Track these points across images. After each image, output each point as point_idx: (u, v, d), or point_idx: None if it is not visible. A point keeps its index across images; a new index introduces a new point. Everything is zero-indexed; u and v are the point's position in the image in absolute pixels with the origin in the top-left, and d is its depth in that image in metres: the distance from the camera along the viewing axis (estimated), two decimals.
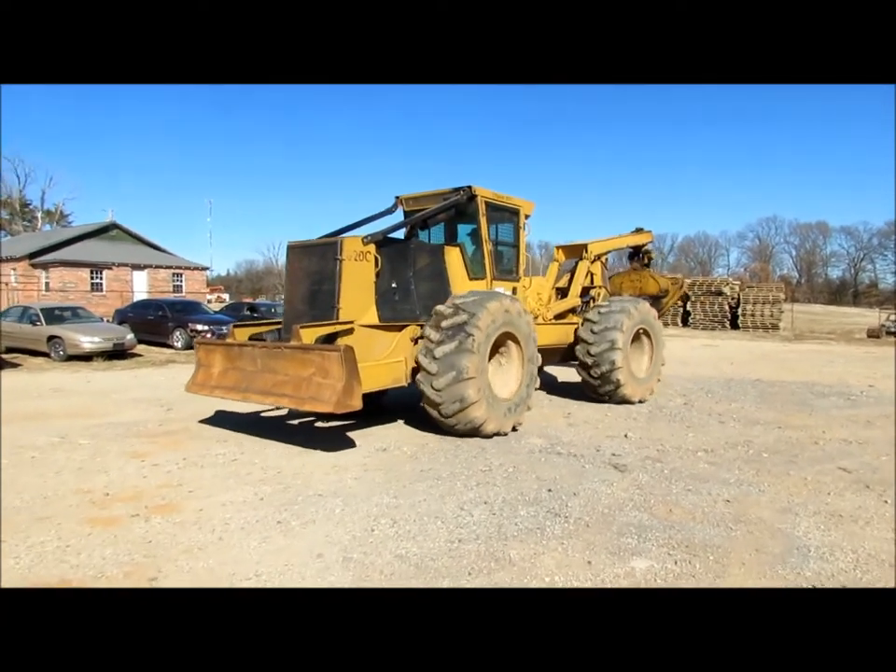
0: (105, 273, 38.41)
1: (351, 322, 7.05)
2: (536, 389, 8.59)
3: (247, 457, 6.75)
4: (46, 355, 17.29)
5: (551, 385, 12.36)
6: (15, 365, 16.12)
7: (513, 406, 7.94)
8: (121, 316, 22.37)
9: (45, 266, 37.37)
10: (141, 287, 39.99)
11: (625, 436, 8.01)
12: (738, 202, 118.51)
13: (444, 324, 7.31)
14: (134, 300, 31.78)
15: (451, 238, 9.27)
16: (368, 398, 8.39)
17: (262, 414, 9.20)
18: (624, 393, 10.05)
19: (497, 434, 7.80)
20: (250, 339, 7.82)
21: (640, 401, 10.48)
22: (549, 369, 13.72)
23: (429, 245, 9.15)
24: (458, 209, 8.88)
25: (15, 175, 58.09)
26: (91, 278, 37.85)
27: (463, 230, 9.32)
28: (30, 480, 5.85)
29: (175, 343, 20.02)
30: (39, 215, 58.82)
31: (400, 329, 7.70)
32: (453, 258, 8.78)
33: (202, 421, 8.59)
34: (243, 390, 7.07)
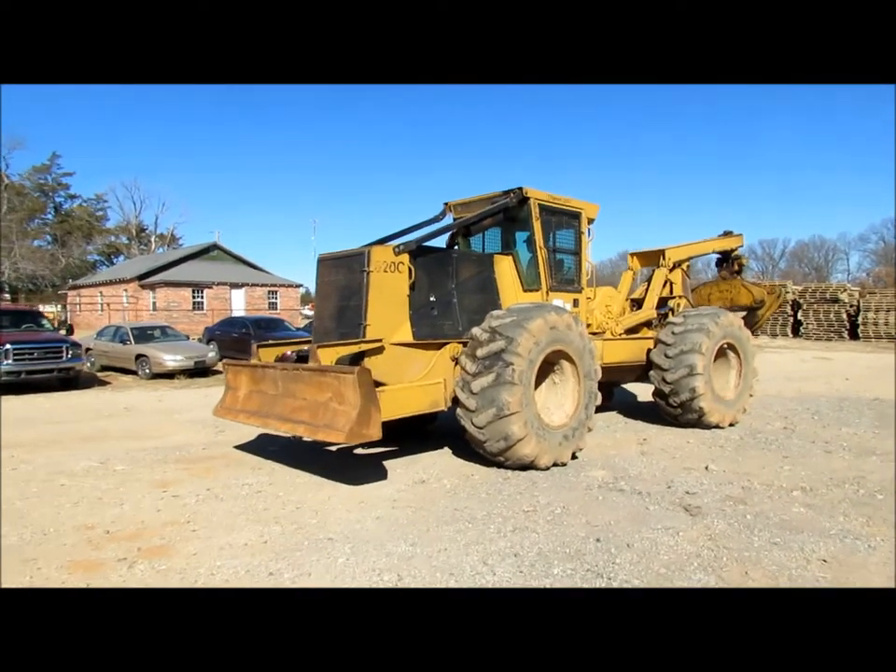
0: (205, 291, 40.31)
1: (379, 340, 6.42)
2: (607, 411, 7.60)
3: (273, 489, 6.25)
4: (135, 373, 17.92)
5: (628, 406, 11.23)
6: (104, 383, 16.77)
7: (571, 432, 7.02)
8: (210, 334, 23.00)
9: (152, 287, 39.66)
10: (239, 304, 41.66)
11: (706, 468, 6.90)
12: (859, 201, 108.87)
13: (480, 353, 6.53)
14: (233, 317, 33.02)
15: (508, 247, 8.48)
16: (415, 422, 7.78)
17: (305, 439, 8.74)
18: (710, 421, 8.83)
19: (555, 465, 6.91)
20: (277, 360, 7.36)
21: (731, 425, 9.22)
22: (629, 386, 12.60)
23: (476, 253, 8.40)
24: (510, 214, 8.09)
25: (132, 201, 62.53)
26: (193, 297, 39.83)
27: (521, 237, 8.50)
28: (45, 511, 5.60)
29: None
30: (153, 238, 62.90)
31: (439, 347, 6.99)
32: (504, 267, 7.99)
33: (244, 445, 8.24)
34: (263, 416, 6.60)
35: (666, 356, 8.91)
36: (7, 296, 51.05)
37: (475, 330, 6.84)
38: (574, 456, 7.26)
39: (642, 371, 9.57)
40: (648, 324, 10.03)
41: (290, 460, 7.36)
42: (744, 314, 11.09)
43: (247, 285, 42.21)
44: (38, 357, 14.28)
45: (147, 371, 17.36)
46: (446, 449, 7.91)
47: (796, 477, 6.47)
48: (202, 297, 40.02)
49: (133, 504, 5.79)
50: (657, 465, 7.09)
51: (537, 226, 7.93)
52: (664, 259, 10.16)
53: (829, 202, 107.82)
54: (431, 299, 7.16)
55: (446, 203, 8.74)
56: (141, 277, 40.04)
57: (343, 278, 6.88)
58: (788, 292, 31.31)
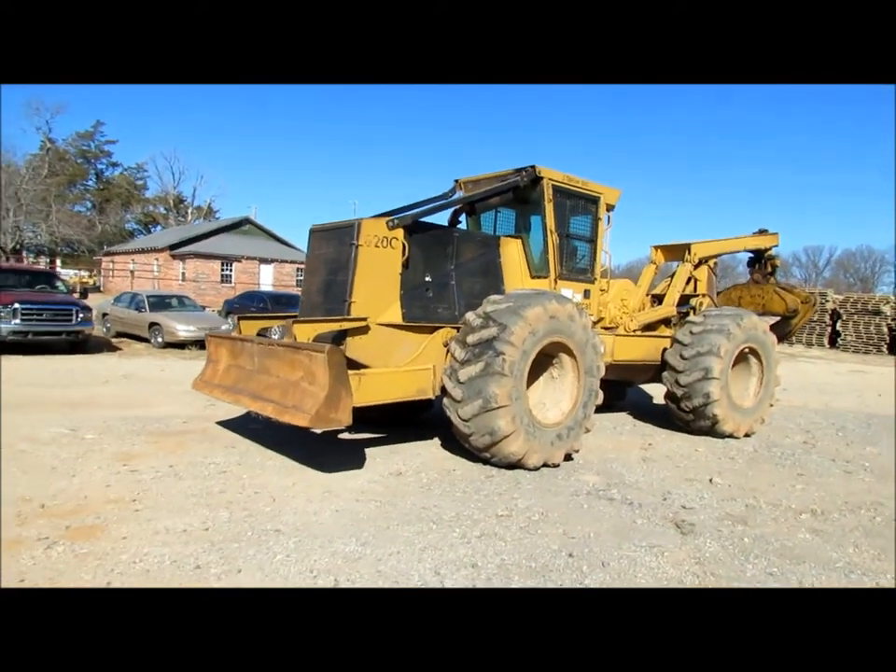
0: (234, 265, 40.42)
1: (364, 319, 5.96)
2: (600, 411, 7.04)
3: (239, 470, 5.87)
4: (148, 340, 17.83)
5: (640, 408, 10.63)
6: (115, 349, 16.71)
7: (565, 431, 6.49)
8: (229, 307, 22.90)
9: (182, 257, 39.89)
10: (267, 279, 41.71)
11: (710, 481, 6.32)
12: None
13: (470, 339, 6.02)
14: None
15: (520, 231, 7.94)
16: (407, 409, 7.34)
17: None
18: (724, 429, 8.20)
19: (546, 465, 6.40)
20: (258, 334, 6.96)
21: (746, 435, 8.57)
22: (646, 387, 11.97)
23: (480, 234, 7.87)
24: (523, 195, 7.53)
25: (171, 172, 63.05)
26: (222, 270, 39.95)
27: (536, 221, 7.93)
28: None
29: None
30: (190, 210, 63.39)
31: (431, 331, 6.51)
32: (511, 251, 7.45)
33: (227, 421, 7.89)
34: (237, 392, 6.20)
35: (682, 356, 8.29)
36: (45, 258, 52.09)
37: (468, 315, 6.34)
38: (568, 458, 6.74)
39: (657, 372, 8.96)
40: (667, 322, 9.39)
41: (268, 440, 6.98)
42: (775, 319, 10.37)
43: (277, 261, 42.19)
44: (47, 319, 14.22)
45: (160, 339, 17.27)
46: (435, 440, 7.45)
47: (808, 498, 5.85)
48: (230, 270, 40.14)
49: (84, 477, 5.46)
50: (657, 473, 6.53)
51: (549, 208, 7.36)
52: (689, 253, 9.48)
53: (880, 211, 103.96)
54: (426, 279, 6.67)
55: (457, 180, 8.21)
56: (173, 247, 40.29)
57: (333, 251, 6.43)
58: (828, 301, 30.02)
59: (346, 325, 5.88)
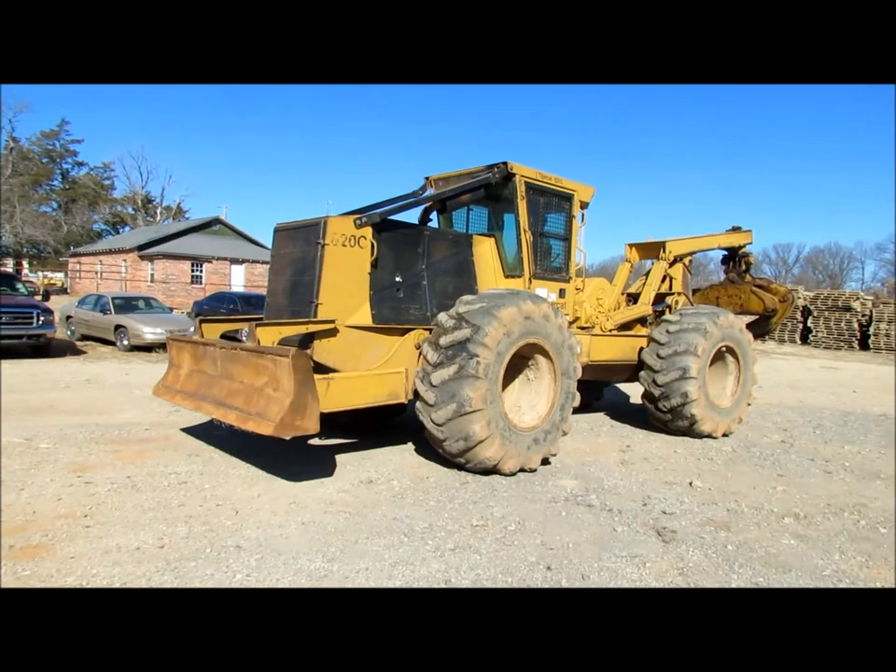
0: (205, 266, 39.61)
1: (332, 322, 5.71)
2: (577, 412, 6.88)
3: (201, 480, 5.58)
4: (114, 343, 17.30)
5: (617, 409, 10.51)
6: (79, 352, 16.17)
7: (542, 434, 6.31)
8: (198, 308, 22.35)
9: (151, 258, 39.01)
10: (238, 280, 40.97)
11: (690, 484, 6.18)
12: (879, 210, 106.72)
13: (443, 341, 5.80)
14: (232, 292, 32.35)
15: (493, 230, 7.74)
16: (379, 413, 7.09)
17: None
18: (702, 429, 8.10)
19: (523, 470, 6.21)
20: (225, 337, 6.67)
21: (724, 435, 8.49)
22: (622, 386, 11.89)
23: (451, 232, 7.65)
24: (495, 192, 7.32)
25: (138, 171, 61.76)
26: (192, 271, 39.13)
27: (509, 219, 7.73)
28: None
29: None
30: (159, 210, 62.17)
31: (403, 333, 6.28)
32: (484, 250, 7.25)
33: (191, 428, 7.57)
34: (199, 398, 5.91)
35: (658, 356, 8.17)
36: (10, 260, 50.68)
37: (441, 316, 6.12)
38: (546, 462, 6.56)
39: (634, 372, 8.83)
40: (643, 321, 9.27)
41: (234, 448, 6.69)
42: (752, 319, 10.32)
43: (248, 261, 41.47)
44: (7, 322, 13.67)
45: (126, 342, 16.75)
46: (409, 445, 7.22)
47: (790, 501, 5.74)
48: (200, 271, 39.35)
49: (35, 490, 5.13)
50: (636, 477, 6.38)
51: (521, 206, 7.18)
52: (664, 251, 9.38)
53: (848, 209, 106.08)
54: (397, 279, 6.44)
55: (427, 178, 7.98)
56: (141, 248, 39.35)
57: (298, 250, 6.17)
58: (799, 298, 30.36)
59: (313, 327, 5.63)
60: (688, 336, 8.08)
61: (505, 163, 7.04)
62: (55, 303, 22.56)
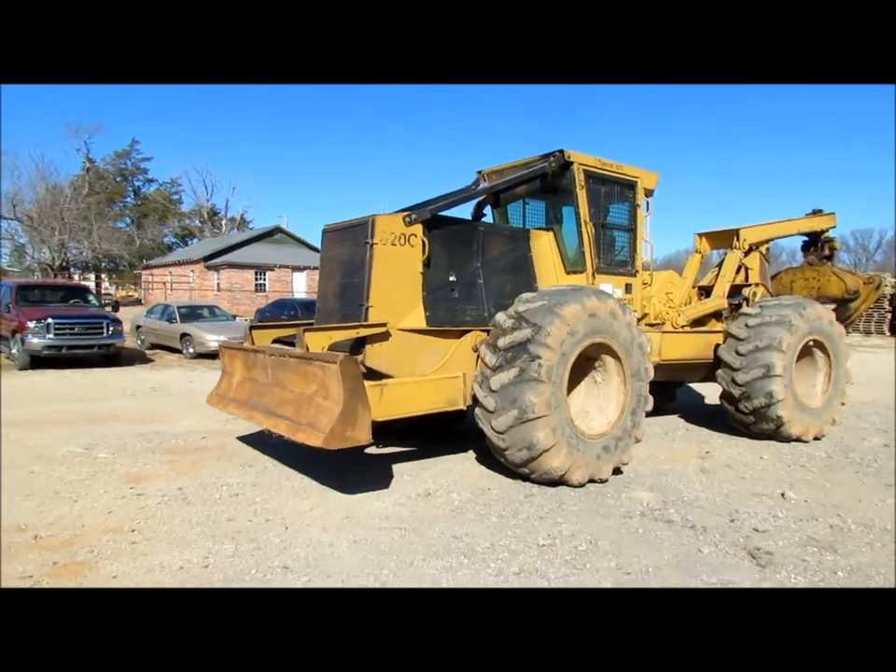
0: (268, 274, 40.49)
1: (383, 325, 5.40)
2: (649, 415, 6.33)
3: (252, 493, 5.36)
4: (180, 351, 17.68)
5: (692, 410, 9.82)
6: (148, 361, 16.57)
7: (613, 442, 5.82)
8: (261, 316, 22.68)
9: (217, 268, 40.14)
10: (300, 287, 41.66)
11: (782, 495, 5.56)
12: None
13: (502, 343, 5.40)
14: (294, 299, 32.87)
15: (552, 223, 7.29)
16: (440, 420, 6.72)
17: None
18: (790, 432, 7.40)
19: (592, 481, 5.74)
20: (280, 343, 6.47)
21: (816, 438, 7.74)
22: (696, 385, 11.15)
23: (507, 227, 7.24)
24: (552, 184, 6.87)
25: (203, 185, 63.69)
26: (256, 279, 40.06)
27: (568, 212, 7.26)
28: None
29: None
30: (224, 222, 64.10)
31: (459, 335, 5.91)
32: (543, 244, 6.81)
33: (247, 436, 7.42)
34: (251, 407, 5.71)
35: (738, 352, 7.51)
36: (91, 275, 53.27)
37: (499, 316, 5.73)
38: (617, 471, 6.05)
39: (709, 370, 8.20)
40: (717, 315, 8.60)
41: (289, 457, 6.47)
42: (833, 306, 9.47)
43: (309, 268, 42.09)
44: (79, 333, 14.10)
45: (191, 350, 17.09)
46: (469, 454, 6.85)
47: None
48: (264, 279, 40.22)
49: (88, 501, 5.02)
50: (719, 487, 5.80)
51: (581, 196, 6.69)
52: (738, 240, 8.68)
53: None
54: (451, 278, 6.08)
55: (480, 171, 7.60)
56: (207, 258, 40.57)
57: (347, 252, 5.89)
58: (886, 285, 28.35)
59: (364, 331, 5.33)
60: (770, 330, 7.39)
61: (561, 151, 6.58)
62: (127, 314, 23.43)
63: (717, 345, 7.94)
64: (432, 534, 4.50)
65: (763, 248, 9.18)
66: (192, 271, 42.30)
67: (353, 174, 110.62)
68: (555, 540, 4.42)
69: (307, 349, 5.11)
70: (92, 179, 54.34)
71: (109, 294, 51.53)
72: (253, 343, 6.36)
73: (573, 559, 4.12)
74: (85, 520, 4.62)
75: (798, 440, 7.56)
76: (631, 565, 4.04)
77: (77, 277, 50.15)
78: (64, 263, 46.31)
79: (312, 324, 6.24)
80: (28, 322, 13.43)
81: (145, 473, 5.88)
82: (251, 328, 6.55)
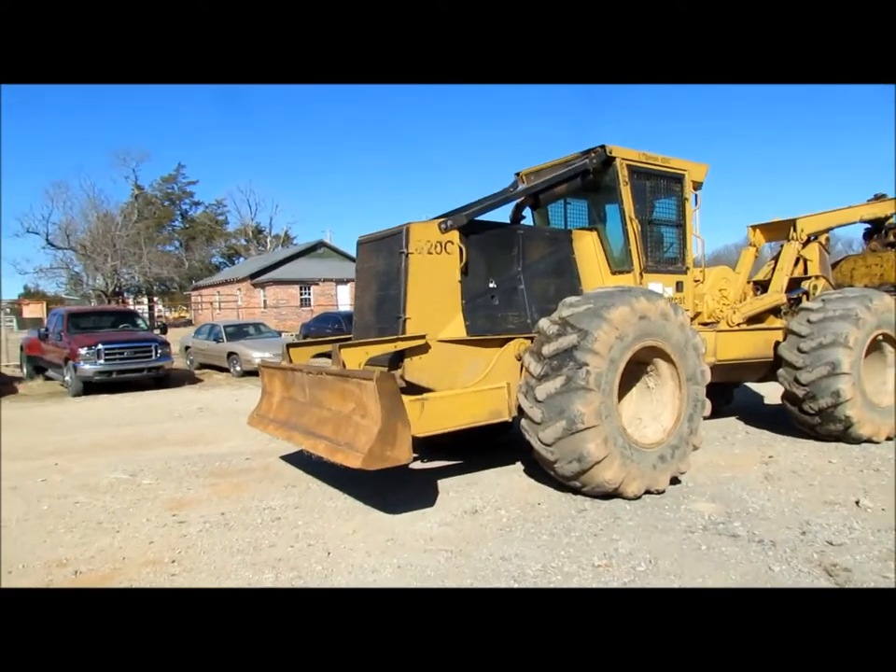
0: (312, 288, 41.03)
1: (422, 337, 5.21)
2: (706, 418, 5.95)
3: (295, 516, 5.23)
4: (228, 370, 17.90)
5: (751, 411, 9.34)
6: (197, 381, 16.82)
7: (669, 451, 5.48)
8: (306, 330, 22.93)
9: (262, 285, 40.86)
10: (345, 300, 42.01)
11: (857, 503, 5.14)
12: None
13: (546, 350, 5.15)
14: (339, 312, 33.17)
15: (596, 221, 7.00)
16: (484, 431, 6.49)
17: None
18: (860, 433, 6.91)
19: (648, 492, 5.42)
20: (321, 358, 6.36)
21: (888, 439, 7.22)
22: (753, 385, 10.62)
23: (548, 229, 6.98)
24: (594, 181, 6.59)
25: (247, 205, 65.10)
26: (300, 294, 40.62)
27: (612, 210, 6.96)
28: (33, 537, 4.89)
29: None
30: (269, 239, 65.35)
31: (502, 343, 5.68)
32: (586, 245, 6.53)
33: (290, 455, 7.32)
34: (291, 427, 5.60)
35: (800, 350, 7.06)
36: (144, 297, 54.98)
37: (542, 322, 5.48)
38: (675, 481, 5.71)
39: (769, 370, 7.75)
40: (776, 311, 8.14)
41: (332, 476, 6.31)
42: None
43: (353, 280, 42.35)
44: (128, 357, 14.37)
45: (238, 368, 17.26)
46: (517, 465, 6.59)
47: None
48: (308, 293, 40.76)
49: (130, 532, 4.96)
50: (787, 496, 5.40)
51: (625, 192, 6.39)
52: (795, 230, 8.20)
53: None
54: (491, 285, 5.86)
55: (518, 173, 7.37)
56: (253, 276, 41.35)
57: (383, 263, 5.74)
58: None
59: (402, 345, 5.16)
60: (835, 325, 6.92)
61: (603, 147, 6.29)
62: (178, 335, 23.97)
63: (777, 343, 7.50)
64: (480, 556, 4.27)
65: (822, 238, 8.67)
66: (239, 289, 43.16)
67: (393, 183, 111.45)
68: (612, 560, 4.14)
69: (343, 366, 4.96)
70: (141, 205, 56.11)
71: (164, 317, 53.10)
72: (291, 362, 6.25)
73: (632, 581, 3.83)
74: (126, 552, 4.54)
75: (868, 441, 7.06)
76: (695, 586, 3.73)
77: (130, 301, 51.83)
78: (118, 289, 47.88)
79: (349, 339, 6.11)
80: (79, 349, 13.76)
81: (187, 499, 5.82)
82: (288, 346, 6.45)
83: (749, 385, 10.72)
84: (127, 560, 4.38)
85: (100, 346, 13.94)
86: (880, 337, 7.26)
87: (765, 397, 10.49)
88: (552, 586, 3.71)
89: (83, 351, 13.78)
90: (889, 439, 7.21)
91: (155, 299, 57.29)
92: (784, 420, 7.80)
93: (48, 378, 16.58)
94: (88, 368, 13.86)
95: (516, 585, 3.79)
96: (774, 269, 8.40)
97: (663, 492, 5.49)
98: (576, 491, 5.43)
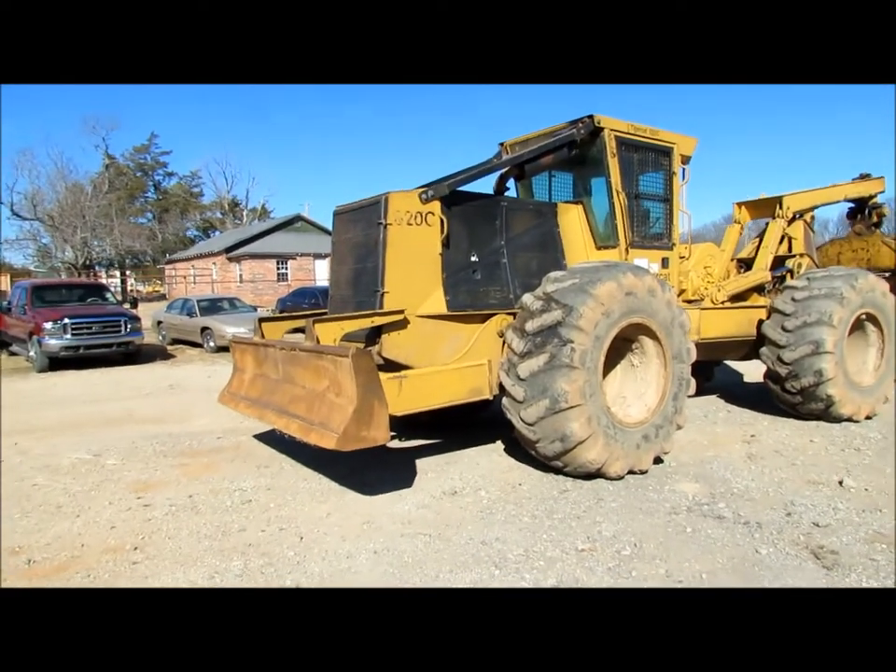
0: (289, 263, 40.31)
1: (400, 312, 4.99)
2: (706, 394, 5.86)
3: (266, 497, 5.02)
4: (201, 346, 17.49)
5: (732, 390, 9.30)
6: (169, 357, 16.41)
7: (653, 430, 5.36)
8: (282, 305, 22.52)
9: (238, 259, 40.07)
10: (323, 275, 41.40)
11: (840, 483, 5.08)
12: None
13: (529, 326, 4.96)
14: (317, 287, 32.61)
15: (581, 194, 6.79)
16: (463, 408, 6.32)
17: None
18: (840, 412, 6.87)
19: (631, 472, 5.30)
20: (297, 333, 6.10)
21: (868, 418, 7.20)
22: (735, 364, 10.59)
23: (532, 202, 6.76)
24: (581, 153, 6.36)
25: (223, 177, 63.67)
26: (277, 268, 39.92)
27: (598, 183, 6.74)
28: None
29: None
30: (245, 213, 64.09)
31: (483, 319, 5.49)
32: (571, 219, 6.32)
33: (263, 434, 7.08)
34: (262, 405, 5.36)
35: (784, 328, 6.97)
36: (117, 272, 53.70)
37: (526, 297, 5.28)
38: (657, 461, 5.60)
39: (751, 348, 7.67)
40: (759, 289, 8.04)
41: (307, 455, 6.09)
42: (888, 274, 8.84)
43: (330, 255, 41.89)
44: (96, 332, 13.90)
45: (212, 343, 16.86)
46: (497, 444, 6.44)
47: None
48: (286, 268, 40.08)
49: (90, 516, 4.71)
50: (770, 475, 5.33)
51: (613, 164, 6.17)
52: (780, 207, 8.07)
53: None
54: (472, 259, 5.64)
55: (502, 143, 7.11)
56: (228, 250, 40.50)
57: (360, 234, 5.48)
58: None
59: (379, 320, 4.93)
60: (820, 303, 6.83)
61: (591, 116, 6.05)
62: (151, 309, 23.39)
63: (760, 321, 7.40)
64: (460, 540, 4.10)
65: (807, 217, 8.57)
66: (214, 263, 42.33)
67: (372, 155, 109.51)
68: (595, 544, 4.00)
69: (318, 341, 4.72)
70: (112, 176, 54.55)
71: (137, 291, 51.94)
72: (263, 337, 5.98)
73: (616, 566, 3.69)
74: (85, 538, 4.29)
75: (849, 420, 7.03)
76: (682, 570, 3.61)
77: (103, 275, 50.62)
78: (88, 262, 46.69)
79: (324, 314, 5.87)
80: (44, 323, 13.27)
81: (154, 480, 5.57)
82: (261, 320, 6.17)
83: (728, 363, 10.69)
84: (86, 547, 4.14)
85: (66, 321, 13.45)
86: (864, 316, 7.19)
87: (745, 375, 10.46)
88: (543, 586, 3.56)
89: (48, 325, 13.29)
90: (868, 418, 7.19)
91: (128, 272, 56.04)
92: (765, 398, 7.75)
93: (12, 353, 16.07)
94: (53, 343, 13.38)
95: (497, 572, 3.63)
96: (758, 246, 8.28)
97: (646, 472, 5.38)
98: (558, 471, 5.29)
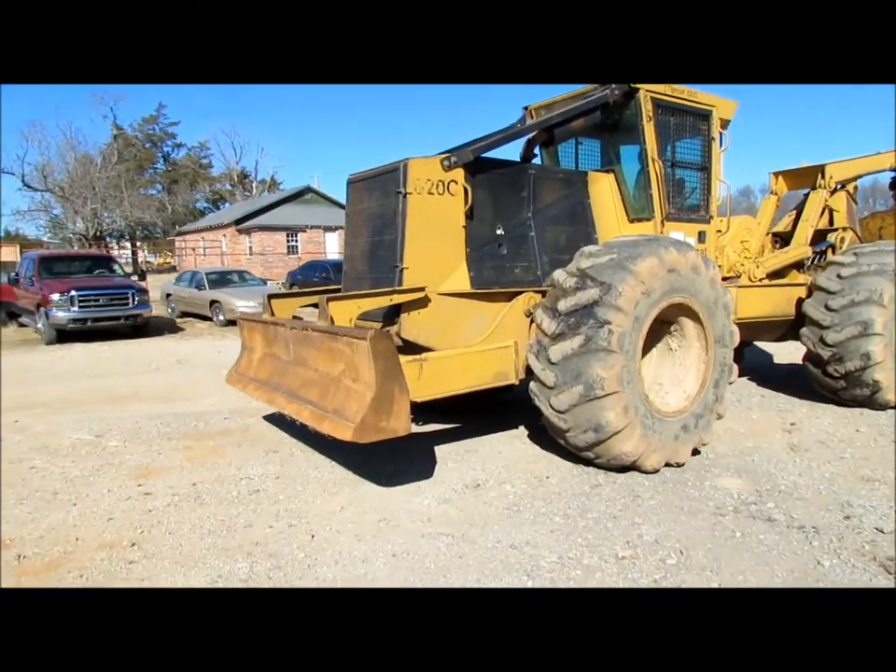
0: (299, 235, 39.85)
1: (421, 289, 4.57)
2: (733, 381, 5.42)
3: (276, 487, 4.68)
4: (211, 319, 17.19)
5: (763, 372, 8.84)
6: (178, 330, 16.13)
7: (693, 420, 4.95)
8: (292, 278, 22.14)
9: (248, 231, 39.63)
10: (333, 247, 40.95)
11: None
12: None
13: (562, 306, 4.53)
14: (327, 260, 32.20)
15: (612, 162, 6.29)
16: (485, 391, 5.91)
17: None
18: (886, 399, 6.42)
19: (668, 465, 4.91)
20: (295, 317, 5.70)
21: None
22: (763, 345, 10.12)
23: (562, 170, 6.25)
24: (612, 118, 5.86)
25: (232, 148, 62.96)
26: (287, 241, 39.48)
27: (628, 151, 6.24)
28: None
29: None
30: (255, 184, 63.42)
31: (509, 297, 5.06)
32: (602, 188, 5.83)
33: (273, 415, 6.73)
34: (272, 388, 4.99)
35: (828, 307, 6.50)
36: (128, 243, 53.44)
37: (557, 274, 4.85)
38: (695, 452, 5.20)
39: (789, 328, 7.21)
40: (799, 266, 7.54)
41: (318, 441, 5.68)
42: None
43: (341, 228, 41.25)
44: (104, 304, 13.62)
45: (221, 317, 16.55)
46: (520, 430, 6.06)
47: None
48: (296, 241, 39.63)
49: (88, 505, 4.39)
50: (819, 471, 4.92)
51: (648, 130, 5.67)
52: (823, 177, 7.54)
53: None
54: (498, 232, 5.19)
55: (526, 108, 6.59)
56: (238, 222, 40.04)
57: (377, 204, 5.04)
58: None
59: (398, 298, 4.52)
60: (869, 281, 6.35)
61: None
62: (158, 281, 23.08)
63: (800, 299, 6.93)
64: (486, 542, 3.74)
65: (850, 187, 8.02)
66: (224, 235, 41.88)
67: (385, 126, 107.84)
68: (637, 550, 3.62)
69: (332, 321, 4.32)
70: (121, 147, 53.93)
71: (149, 262, 51.68)
72: (272, 314, 5.59)
73: (663, 577, 3.32)
74: (80, 531, 3.97)
75: (895, 408, 6.59)
76: (737, 585, 3.23)
77: (114, 246, 50.37)
78: (99, 233, 46.39)
79: (338, 290, 5.46)
80: (51, 295, 12.99)
81: (156, 465, 5.24)
82: (269, 297, 5.76)
83: (756, 343, 10.22)
84: (80, 542, 3.81)
85: (73, 293, 13.17)
86: None
87: (774, 355, 10.01)
88: (545, 586, 3.25)
89: (55, 297, 13.01)
90: None
91: (138, 244, 55.74)
92: (799, 382, 7.31)
93: (21, 325, 15.84)
94: (61, 315, 13.12)
95: (530, 582, 3.27)
96: (797, 219, 7.76)
97: (683, 465, 4.99)
98: (587, 462, 4.91)
